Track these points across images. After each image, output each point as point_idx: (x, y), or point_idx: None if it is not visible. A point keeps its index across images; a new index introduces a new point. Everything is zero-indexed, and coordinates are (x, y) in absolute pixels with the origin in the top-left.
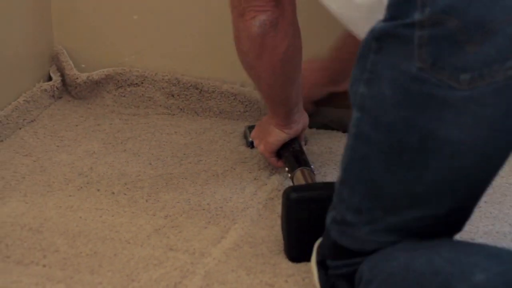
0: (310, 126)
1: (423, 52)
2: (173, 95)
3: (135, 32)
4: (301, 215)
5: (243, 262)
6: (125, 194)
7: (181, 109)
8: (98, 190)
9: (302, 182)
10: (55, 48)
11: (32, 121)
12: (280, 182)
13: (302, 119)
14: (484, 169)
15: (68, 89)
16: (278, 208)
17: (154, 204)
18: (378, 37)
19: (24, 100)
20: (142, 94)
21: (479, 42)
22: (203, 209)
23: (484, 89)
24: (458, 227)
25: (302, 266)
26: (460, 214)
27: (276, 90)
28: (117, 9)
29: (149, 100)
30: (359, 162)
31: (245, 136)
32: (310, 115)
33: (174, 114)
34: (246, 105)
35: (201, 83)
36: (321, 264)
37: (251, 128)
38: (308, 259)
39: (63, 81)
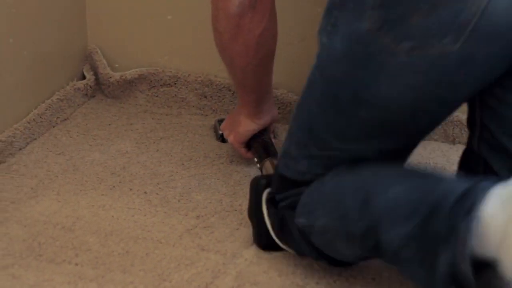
0: None
1: (374, 14)
2: (205, 96)
3: (169, 32)
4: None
5: (275, 264)
6: (157, 193)
7: (213, 110)
8: (131, 189)
9: (271, 171)
10: (89, 47)
11: (65, 119)
12: None
13: (271, 111)
14: (411, 126)
15: (101, 88)
16: None
17: (186, 204)
18: None
19: (57, 99)
20: (175, 95)
21: (425, 13)
22: (235, 210)
23: (421, 59)
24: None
25: (333, 268)
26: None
27: (248, 75)
28: (151, 9)
29: (182, 101)
30: (304, 103)
31: (215, 130)
32: None
33: (207, 115)
34: (279, 107)
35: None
36: (270, 202)
37: (221, 121)
38: (278, 248)
39: (96, 80)
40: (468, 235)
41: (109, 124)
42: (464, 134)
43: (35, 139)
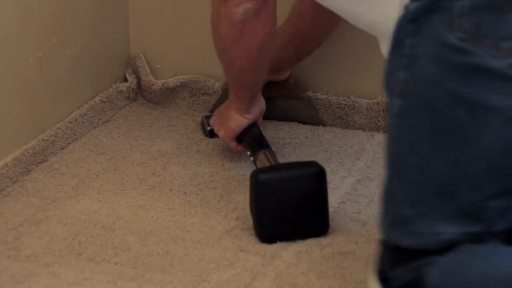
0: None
1: (464, 21)
2: None
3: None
4: (270, 196)
5: (314, 266)
6: (197, 194)
7: None
8: (171, 190)
9: (266, 164)
10: (133, 52)
11: (106, 121)
12: (352, 186)
13: (260, 105)
14: None
15: (143, 93)
16: (351, 212)
17: (226, 205)
18: (414, 18)
19: (100, 100)
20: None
21: None
22: None
23: None
24: None
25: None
26: None
27: (246, 74)
28: (192, 13)
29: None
30: (407, 150)
31: (202, 126)
32: None
33: (315, 125)
34: (318, 109)
35: None
36: (382, 282)
37: (208, 117)
38: (278, 238)
39: (139, 83)
40: None
41: (150, 126)
42: None
43: (76, 139)
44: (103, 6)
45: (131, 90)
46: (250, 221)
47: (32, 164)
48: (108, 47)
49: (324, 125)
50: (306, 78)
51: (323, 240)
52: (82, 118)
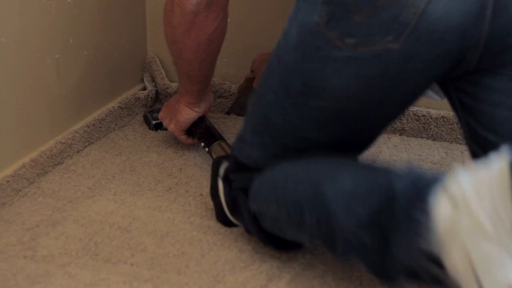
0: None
1: (323, 9)
2: None
3: (227, 37)
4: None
5: (330, 268)
6: None
7: None
8: (187, 191)
9: (222, 153)
10: (148, 56)
11: (123, 126)
12: None
13: (209, 98)
14: (361, 117)
15: (159, 98)
16: None
17: None
18: None
19: (118, 106)
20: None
21: (366, 13)
22: None
23: (365, 53)
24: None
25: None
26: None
27: (195, 67)
28: None
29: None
30: (262, 89)
31: (146, 120)
32: None
33: None
34: None
35: None
36: (225, 180)
37: (152, 112)
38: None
39: (156, 90)
40: (419, 229)
41: (167, 129)
42: None
43: (93, 142)
44: (120, 9)
45: (149, 99)
46: None
47: (49, 166)
48: (124, 50)
49: None
50: None
51: None
52: (100, 123)
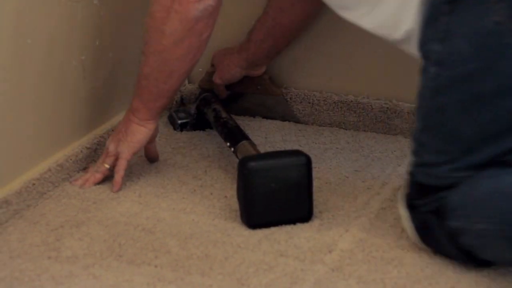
0: (231, 112)
1: (500, 7)
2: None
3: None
4: (259, 183)
5: (354, 271)
6: None
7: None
8: (211, 193)
9: (247, 154)
10: None
11: None
12: (393, 192)
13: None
14: None
15: (183, 101)
16: (391, 218)
17: None
18: (451, 0)
19: None
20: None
21: None
22: (315, 217)
23: None
24: None
25: (412, 277)
26: None
27: (172, 79)
28: (234, 13)
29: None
30: (438, 111)
31: (171, 120)
32: (224, 100)
33: (289, 121)
34: (359, 114)
35: (314, 95)
36: (409, 207)
37: (177, 112)
38: (266, 225)
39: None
40: None
41: (192, 130)
42: None
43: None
44: (146, 11)
45: (173, 101)
46: (290, 226)
47: (74, 171)
48: None
49: (297, 121)
50: (347, 82)
51: (364, 246)
52: None
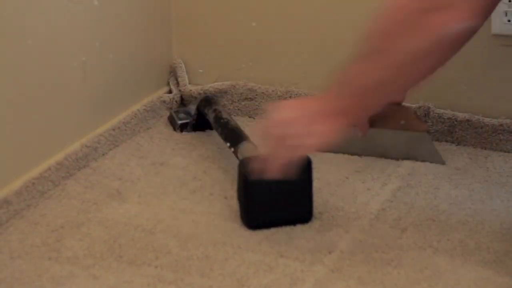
0: (361, 154)
1: None
2: None
3: (253, 39)
4: (259, 184)
5: (354, 272)
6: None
7: None
8: (211, 194)
9: (247, 155)
10: (174, 61)
11: (148, 128)
12: (393, 193)
13: None
14: None
15: (183, 103)
16: (391, 219)
17: None
18: None
19: (144, 109)
20: (256, 107)
21: None
22: (315, 218)
23: None
24: None
25: (412, 278)
26: None
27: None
28: (236, 16)
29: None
30: None
31: (172, 120)
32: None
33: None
34: None
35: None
36: None
37: (178, 112)
38: (266, 226)
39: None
40: None
41: (192, 131)
42: None
43: (118, 145)
44: (146, 12)
45: (174, 102)
46: (290, 227)
47: (74, 169)
48: (150, 53)
49: (443, 163)
50: None
51: (364, 247)
52: (125, 126)
